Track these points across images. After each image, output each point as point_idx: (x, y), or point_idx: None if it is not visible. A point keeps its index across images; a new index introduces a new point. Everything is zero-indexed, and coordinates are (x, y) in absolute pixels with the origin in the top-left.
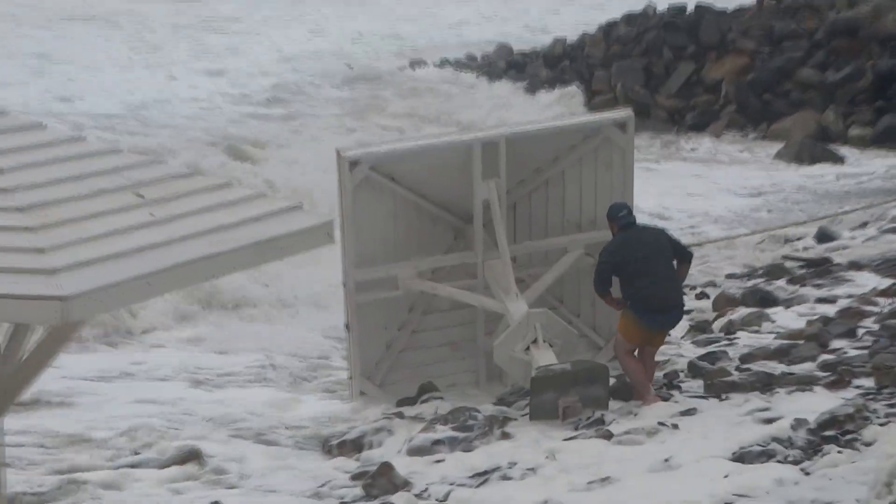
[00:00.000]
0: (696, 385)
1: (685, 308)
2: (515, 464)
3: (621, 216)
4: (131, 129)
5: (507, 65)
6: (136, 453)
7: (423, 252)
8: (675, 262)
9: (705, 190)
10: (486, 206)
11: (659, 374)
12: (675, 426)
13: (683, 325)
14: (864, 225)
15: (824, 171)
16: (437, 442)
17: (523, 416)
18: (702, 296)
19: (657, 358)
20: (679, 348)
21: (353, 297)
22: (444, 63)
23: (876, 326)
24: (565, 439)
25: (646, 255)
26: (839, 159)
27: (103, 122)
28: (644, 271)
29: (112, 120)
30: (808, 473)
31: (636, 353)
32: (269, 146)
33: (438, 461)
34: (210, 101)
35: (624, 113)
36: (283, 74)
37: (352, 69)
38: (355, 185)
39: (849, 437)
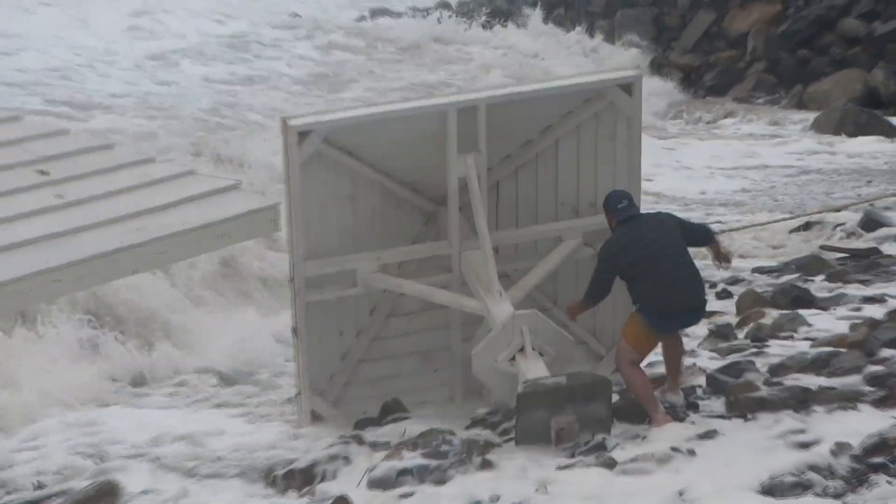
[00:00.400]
0: (717, 403)
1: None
2: (499, 498)
3: (621, 208)
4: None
5: (490, 12)
6: (39, 487)
7: (386, 242)
8: (690, 252)
9: (726, 166)
10: (462, 185)
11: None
12: (692, 452)
13: (702, 330)
14: None
15: (871, 144)
16: (404, 472)
17: (508, 440)
18: (724, 294)
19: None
20: (696, 358)
21: (301, 296)
22: (414, 12)
23: None
24: (559, 468)
25: (653, 253)
26: (891, 129)
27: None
28: (654, 271)
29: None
30: None
31: (641, 369)
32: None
33: (405, 495)
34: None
35: (631, 72)
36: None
37: (299, 17)
38: (305, 161)
39: None
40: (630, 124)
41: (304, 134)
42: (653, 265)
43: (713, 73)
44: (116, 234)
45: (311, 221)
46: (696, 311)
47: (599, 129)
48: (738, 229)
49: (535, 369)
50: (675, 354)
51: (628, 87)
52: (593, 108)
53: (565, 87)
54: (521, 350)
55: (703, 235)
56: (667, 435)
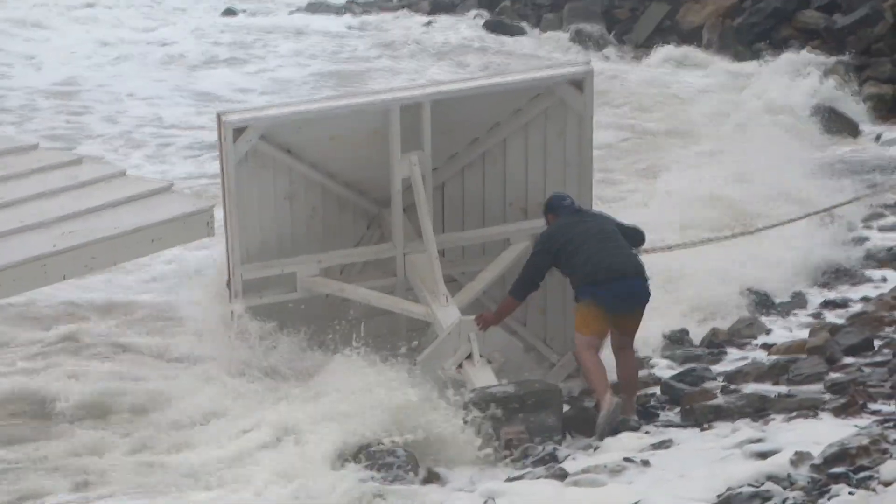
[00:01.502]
0: (672, 411)
1: (650, 293)
2: None
3: (566, 205)
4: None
5: (431, 5)
6: None
7: (328, 244)
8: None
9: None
10: (407, 186)
11: None
12: (646, 462)
13: (657, 337)
14: (881, 214)
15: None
16: None
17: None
18: None
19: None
20: (650, 367)
21: (239, 302)
22: (349, 5)
23: None
24: (508, 479)
25: (584, 230)
26: (852, 127)
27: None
28: (583, 242)
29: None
30: None
31: (598, 355)
32: None
33: None
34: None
35: (581, 67)
36: None
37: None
38: (241, 159)
39: (862, 474)
40: (581, 122)
41: (239, 130)
42: (585, 240)
43: None
44: (45, 239)
45: (248, 222)
46: (634, 277)
47: (549, 126)
48: (686, 246)
49: (482, 377)
50: (628, 367)
51: (578, 83)
52: (542, 105)
53: (513, 83)
54: (469, 357)
55: (636, 235)
56: (620, 445)
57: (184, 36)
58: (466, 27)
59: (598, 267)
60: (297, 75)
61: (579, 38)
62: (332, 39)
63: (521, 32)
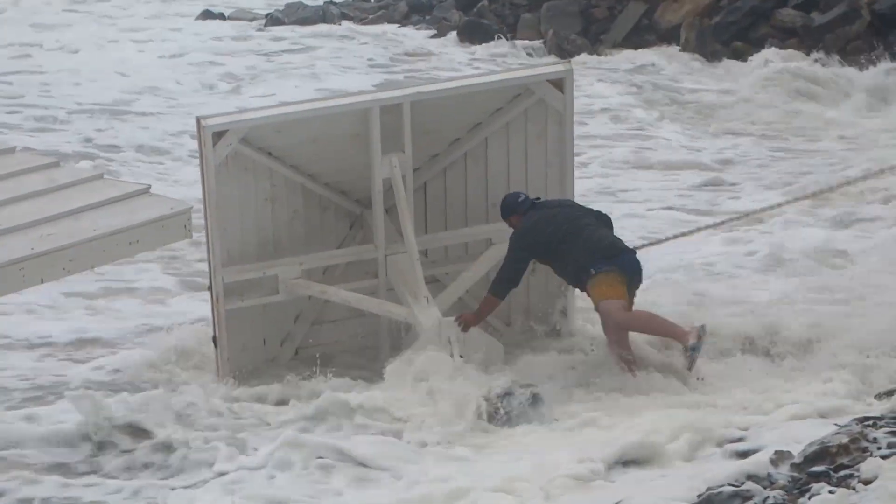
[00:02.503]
0: None
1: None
2: None
3: (521, 201)
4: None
5: (408, 7)
6: None
7: (309, 246)
8: None
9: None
10: (388, 187)
11: None
12: (626, 463)
13: None
14: None
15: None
16: None
17: None
18: None
19: None
20: None
21: (221, 304)
22: (327, 6)
23: None
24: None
25: (566, 217)
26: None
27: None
28: (573, 228)
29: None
30: None
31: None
32: None
33: None
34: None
35: (561, 67)
36: None
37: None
38: (221, 162)
39: (843, 472)
40: (561, 121)
41: (219, 134)
42: (574, 225)
43: None
44: (23, 242)
45: (228, 225)
46: (631, 253)
47: (529, 126)
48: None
49: None
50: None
51: (559, 83)
52: (522, 105)
53: (493, 83)
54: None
55: (607, 217)
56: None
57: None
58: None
59: (603, 244)
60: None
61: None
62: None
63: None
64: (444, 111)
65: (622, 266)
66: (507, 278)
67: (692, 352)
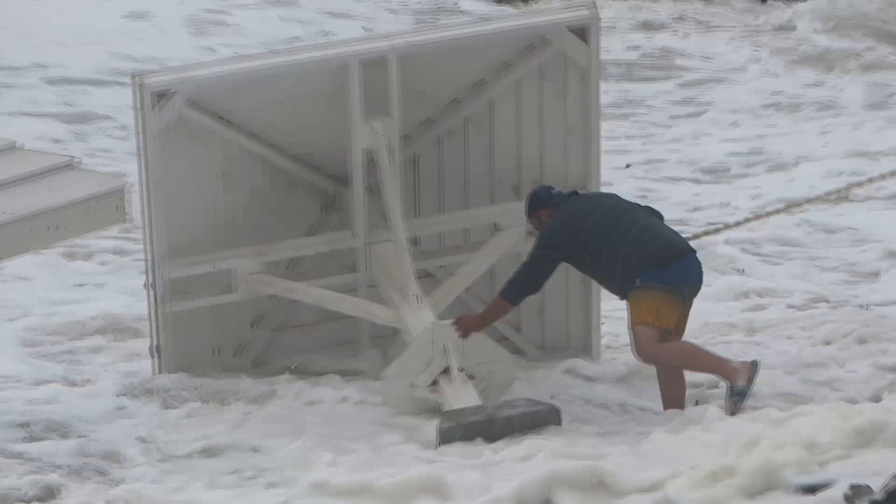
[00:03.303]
0: None
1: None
2: None
3: (555, 194)
4: None
5: None
6: None
7: (273, 234)
8: None
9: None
10: (370, 159)
11: None
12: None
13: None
14: None
15: None
16: None
17: None
18: None
19: None
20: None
21: (163, 306)
22: None
23: None
24: None
25: (608, 209)
26: None
27: None
28: (628, 220)
29: None
30: None
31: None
32: None
33: None
34: None
35: (585, 11)
36: None
37: None
38: (164, 130)
39: None
40: (585, 78)
41: (162, 95)
42: (625, 221)
43: None
44: None
45: (173, 208)
46: (693, 254)
47: (545, 85)
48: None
49: (462, 397)
50: (676, 383)
51: (582, 31)
52: (537, 59)
53: (500, 32)
54: (446, 371)
55: (659, 215)
56: None
57: None
58: None
59: (658, 242)
60: None
61: None
62: None
63: None
64: (439, 66)
65: (678, 274)
66: (526, 281)
67: (738, 398)
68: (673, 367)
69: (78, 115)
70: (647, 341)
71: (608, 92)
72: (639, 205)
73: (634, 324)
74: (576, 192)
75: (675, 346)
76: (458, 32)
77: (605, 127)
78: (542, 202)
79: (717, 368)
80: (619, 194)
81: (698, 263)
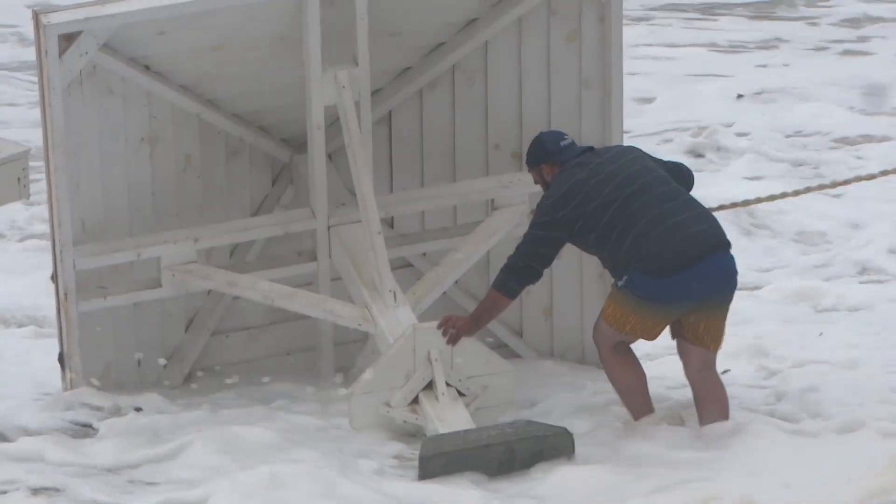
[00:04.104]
0: None
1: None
2: None
3: (565, 146)
4: None
5: None
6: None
7: (210, 213)
8: None
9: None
10: (333, 119)
11: None
12: None
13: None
14: None
15: None
16: None
17: None
18: None
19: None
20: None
21: (72, 305)
22: None
23: None
24: None
25: (640, 173)
26: None
27: None
28: (650, 200)
29: None
30: None
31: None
32: None
33: None
34: None
35: None
36: None
37: None
38: (73, 81)
39: None
40: (604, 15)
41: (70, 37)
42: (647, 200)
43: None
44: None
45: (84, 180)
46: (723, 248)
47: (554, 24)
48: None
49: (451, 418)
50: (712, 382)
51: None
52: None
53: None
54: (429, 387)
55: (683, 173)
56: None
57: None
58: None
59: (662, 248)
60: None
61: None
62: None
63: None
64: (420, 1)
65: (681, 287)
66: (524, 267)
67: None
68: (610, 379)
69: None
70: (603, 340)
71: None
72: (663, 176)
73: (602, 315)
74: (591, 149)
75: (622, 369)
76: None
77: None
78: (547, 155)
79: (632, 407)
80: (646, 152)
81: (724, 263)
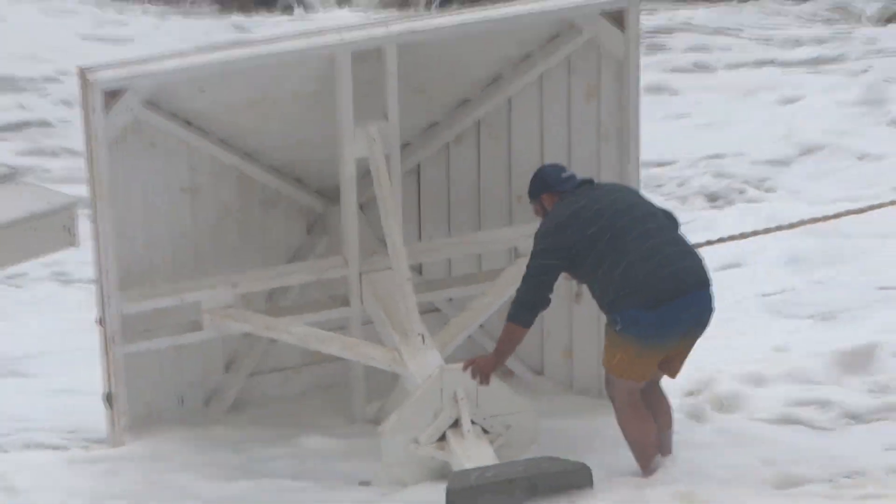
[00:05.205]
0: None
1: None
2: None
3: (565, 179)
4: None
5: None
6: None
7: (248, 260)
8: None
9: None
10: (364, 171)
11: None
12: None
13: None
14: None
15: None
16: None
17: None
18: None
19: None
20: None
21: (118, 347)
22: None
23: None
24: None
25: (630, 211)
26: None
27: None
28: (638, 236)
29: None
30: None
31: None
32: None
33: None
34: None
35: None
36: None
37: None
38: (117, 136)
39: None
40: (622, 73)
41: (114, 94)
42: (635, 236)
43: None
44: None
45: (128, 229)
46: (704, 287)
47: (574, 80)
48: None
49: (476, 454)
50: (664, 402)
51: (618, 16)
52: (565, 49)
53: (518, 18)
54: (456, 425)
55: (674, 217)
56: None
57: None
58: None
59: (666, 272)
60: None
61: None
62: None
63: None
64: (446, 59)
65: (669, 318)
66: (532, 297)
67: None
68: (623, 431)
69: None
70: (619, 391)
71: None
72: (655, 212)
73: (606, 367)
74: (590, 181)
75: (635, 417)
76: (469, 17)
77: None
78: (547, 186)
79: (641, 461)
80: (636, 189)
81: (706, 300)
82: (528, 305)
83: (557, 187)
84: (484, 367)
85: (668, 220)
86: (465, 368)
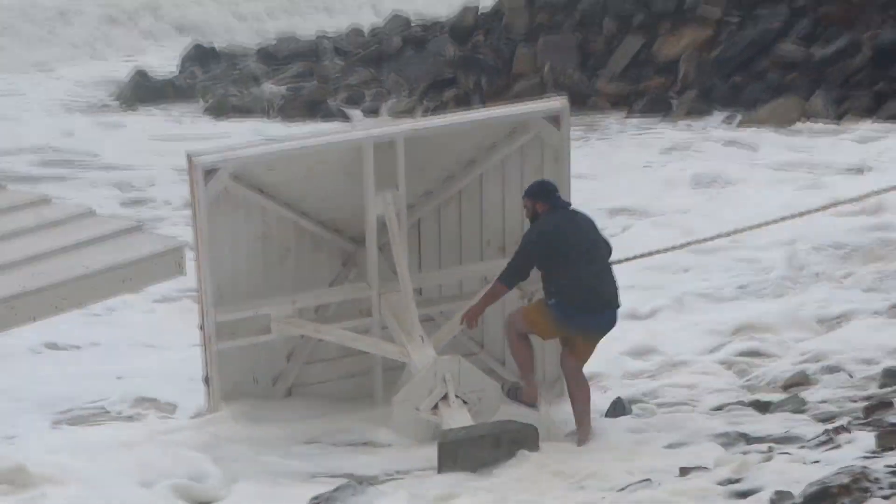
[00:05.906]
0: None
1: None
2: None
3: (557, 196)
4: None
5: (403, 41)
6: None
7: (302, 285)
8: None
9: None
10: (381, 224)
11: None
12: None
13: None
14: None
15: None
16: None
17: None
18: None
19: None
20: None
21: (213, 344)
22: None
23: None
24: None
25: (579, 240)
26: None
27: None
28: (587, 259)
29: None
30: None
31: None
32: None
33: None
34: None
35: (557, 103)
36: None
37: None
38: (212, 200)
39: None
40: (557, 157)
41: (210, 171)
42: (579, 254)
43: (643, 101)
44: (14, 280)
45: (220, 264)
46: (614, 309)
47: (525, 162)
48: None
49: (457, 418)
50: (581, 385)
51: (555, 119)
52: (518, 141)
53: (487, 119)
54: (445, 398)
55: (608, 249)
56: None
57: None
58: None
59: (593, 295)
60: None
61: None
62: None
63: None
64: (438, 147)
65: (583, 325)
66: (515, 269)
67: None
68: (510, 346)
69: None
70: (514, 329)
71: None
72: (600, 242)
73: (524, 315)
74: (568, 204)
75: (524, 349)
76: (454, 119)
77: None
78: (545, 195)
79: (524, 378)
80: (594, 223)
81: (612, 317)
82: (512, 277)
83: (551, 200)
84: (472, 314)
85: (606, 249)
86: (460, 324)
